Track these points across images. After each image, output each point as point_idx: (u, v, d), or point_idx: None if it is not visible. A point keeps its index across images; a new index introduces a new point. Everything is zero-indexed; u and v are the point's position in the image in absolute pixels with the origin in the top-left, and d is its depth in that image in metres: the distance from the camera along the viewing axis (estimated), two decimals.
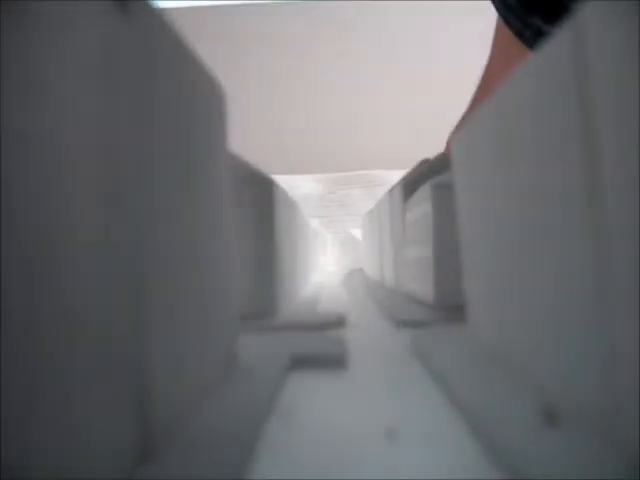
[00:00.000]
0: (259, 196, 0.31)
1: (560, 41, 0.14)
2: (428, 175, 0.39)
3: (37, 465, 0.09)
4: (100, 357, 0.10)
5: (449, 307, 0.31)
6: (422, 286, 0.35)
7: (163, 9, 0.14)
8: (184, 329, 0.15)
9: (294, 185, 1.27)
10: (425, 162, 0.45)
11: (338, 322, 0.32)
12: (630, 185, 0.11)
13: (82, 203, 0.10)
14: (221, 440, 0.13)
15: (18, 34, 0.09)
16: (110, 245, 0.11)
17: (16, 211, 0.08)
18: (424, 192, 0.34)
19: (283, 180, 0.44)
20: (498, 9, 0.57)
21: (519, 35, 0.56)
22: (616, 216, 0.12)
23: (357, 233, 1.06)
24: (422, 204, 0.35)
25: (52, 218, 0.09)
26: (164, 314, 0.13)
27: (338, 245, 1.09)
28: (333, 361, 0.23)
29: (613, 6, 0.11)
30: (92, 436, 0.10)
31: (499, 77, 0.64)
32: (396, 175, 0.69)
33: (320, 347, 0.24)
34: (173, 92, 0.15)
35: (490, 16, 0.60)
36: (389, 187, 0.57)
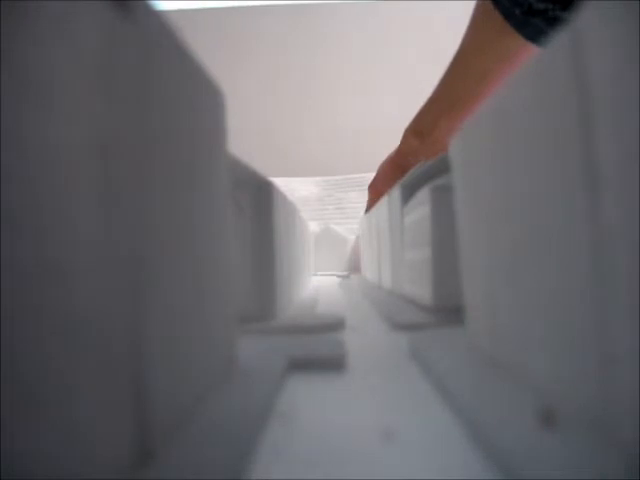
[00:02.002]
0: (258, 199, 0.31)
1: (559, 41, 0.14)
2: (427, 178, 0.39)
3: (37, 465, 0.09)
4: (100, 357, 0.10)
5: (447, 309, 0.31)
6: (420, 288, 0.35)
7: (163, 10, 0.14)
8: (183, 330, 0.15)
9: (293, 188, 1.27)
10: (424, 165, 0.45)
11: (336, 325, 0.32)
12: (630, 185, 0.11)
13: (81, 203, 0.10)
14: (221, 440, 0.13)
15: (18, 34, 0.09)
16: (109, 245, 0.11)
17: (15, 211, 0.08)
18: (423, 195, 0.34)
19: (282, 183, 0.44)
20: None
21: (507, 15, 0.54)
22: (615, 217, 0.12)
23: (341, 229, 0.96)
24: (421, 207, 0.35)
25: (51, 218, 0.09)
26: (163, 314, 0.13)
27: (321, 242, 0.92)
28: (332, 364, 0.23)
29: (613, 6, 0.11)
30: (92, 436, 0.10)
31: (471, 62, 0.61)
32: None
33: (319, 350, 0.24)
34: (172, 93, 0.15)
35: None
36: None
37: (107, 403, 0.11)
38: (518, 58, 0.62)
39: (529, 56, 0.61)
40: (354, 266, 0.95)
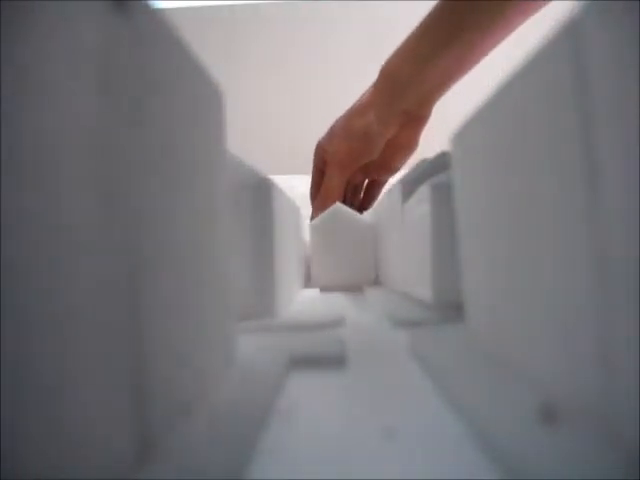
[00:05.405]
0: (257, 196, 0.31)
1: (559, 40, 0.14)
2: (427, 175, 0.39)
3: (36, 465, 0.09)
4: (99, 357, 0.10)
5: (447, 306, 0.31)
6: (421, 285, 0.35)
7: (161, 9, 0.14)
8: (183, 328, 0.15)
9: (293, 185, 1.27)
10: (424, 162, 0.45)
11: (337, 322, 0.32)
12: (629, 184, 0.11)
13: (80, 202, 0.10)
14: (221, 440, 0.13)
15: (18, 34, 0.09)
16: (109, 244, 0.11)
17: (15, 211, 0.08)
18: (423, 192, 0.34)
19: (281, 180, 0.44)
20: None
21: None
22: (615, 215, 0.12)
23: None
24: (421, 204, 0.35)
25: (51, 218, 0.09)
26: (163, 314, 0.13)
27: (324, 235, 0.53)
28: (332, 361, 0.23)
29: (613, 6, 0.11)
30: (91, 436, 0.10)
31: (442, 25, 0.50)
32: (395, 176, 0.69)
33: (319, 347, 0.24)
34: (171, 92, 0.15)
35: None
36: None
37: (107, 402, 0.11)
38: None
39: None
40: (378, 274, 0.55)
